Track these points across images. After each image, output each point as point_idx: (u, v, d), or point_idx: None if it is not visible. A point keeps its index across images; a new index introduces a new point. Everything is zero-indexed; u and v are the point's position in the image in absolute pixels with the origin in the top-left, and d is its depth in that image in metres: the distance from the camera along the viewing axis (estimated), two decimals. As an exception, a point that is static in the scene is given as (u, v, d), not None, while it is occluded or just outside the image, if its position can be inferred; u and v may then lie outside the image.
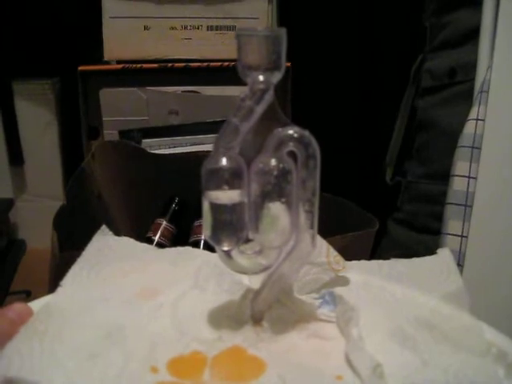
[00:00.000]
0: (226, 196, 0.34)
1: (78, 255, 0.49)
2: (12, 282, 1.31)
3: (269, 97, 0.34)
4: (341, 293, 0.41)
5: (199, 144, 1.15)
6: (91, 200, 0.84)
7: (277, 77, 0.33)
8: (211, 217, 0.34)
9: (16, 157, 1.35)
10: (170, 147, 1.14)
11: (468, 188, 0.89)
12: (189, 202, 0.93)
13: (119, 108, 1.22)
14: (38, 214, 1.39)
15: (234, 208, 0.34)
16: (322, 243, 0.42)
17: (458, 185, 0.91)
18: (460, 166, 0.91)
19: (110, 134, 1.21)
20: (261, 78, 0.33)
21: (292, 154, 0.35)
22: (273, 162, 0.34)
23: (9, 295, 1.27)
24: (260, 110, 0.34)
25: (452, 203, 0.92)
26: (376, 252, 0.96)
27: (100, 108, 1.20)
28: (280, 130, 0.34)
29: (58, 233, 0.69)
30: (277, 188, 0.34)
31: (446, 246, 0.92)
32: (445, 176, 0.98)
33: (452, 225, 0.91)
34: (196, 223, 0.89)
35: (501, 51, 0.88)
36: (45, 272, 1.09)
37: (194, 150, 1.10)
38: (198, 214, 0.89)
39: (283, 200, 0.34)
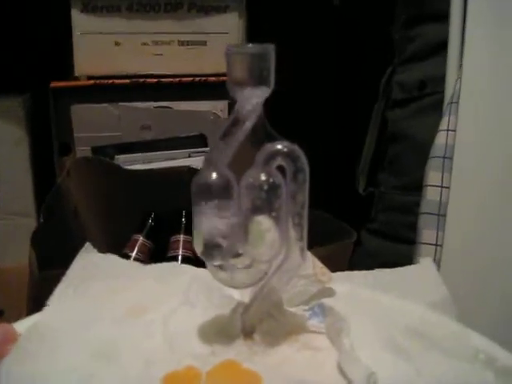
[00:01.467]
0: (219, 220, 0.34)
1: (58, 274, 0.48)
2: (-16, 302, 1.29)
3: (258, 112, 0.34)
4: (328, 304, 0.42)
5: (173, 159, 1.14)
6: (68, 217, 0.84)
7: (266, 92, 0.34)
8: (203, 235, 0.35)
9: (-14, 174, 1.33)
10: (143, 163, 1.13)
11: (441, 197, 0.91)
12: (165, 217, 0.93)
13: (91, 124, 1.21)
14: (9, 232, 1.37)
15: (226, 225, 0.35)
16: (307, 255, 0.42)
17: (431, 194, 0.92)
18: (432, 176, 0.92)
19: (83, 150, 1.21)
20: (250, 94, 0.34)
21: (280, 168, 0.35)
22: (262, 176, 0.34)
23: (-19, 315, 1.24)
24: (249, 125, 0.34)
25: (426, 213, 0.93)
26: (350, 262, 0.97)
27: (72, 124, 1.20)
28: (269, 144, 0.35)
29: (35, 251, 0.68)
30: (267, 202, 0.35)
31: (421, 255, 0.93)
32: (417, 186, 0.99)
33: (426, 234, 0.92)
34: (173, 238, 0.89)
35: (469, 62, 0.90)
36: (18, 291, 1.07)
37: (167, 165, 1.09)
38: (175, 229, 0.90)
39: (273, 214, 0.35)
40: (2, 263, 1.39)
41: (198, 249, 0.35)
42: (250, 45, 0.33)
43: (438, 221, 0.91)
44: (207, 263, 0.37)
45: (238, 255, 0.37)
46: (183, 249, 0.86)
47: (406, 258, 1.00)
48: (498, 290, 0.85)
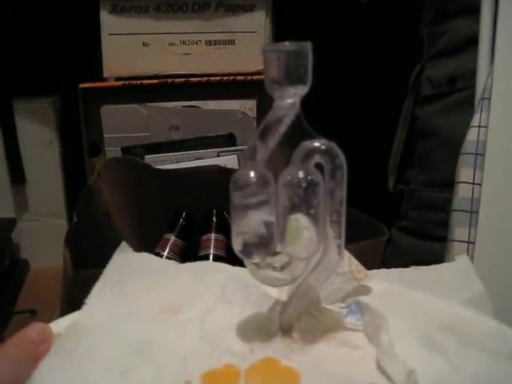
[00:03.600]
0: (258, 217, 0.34)
1: (92, 273, 0.49)
2: (16, 302, 1.31)
3: (295, 110, 0.34)
4: (365, 301, 0.42)
5: (202, 158, 1.15)
6: (99, 217, 0.84)
7: (303, 90, 0.34)
8: (242, 232, 0.35)
9: (17, 176, 1.35)
10: (172, 163, 1.14)
11: (473, 194, 0.90)
12: (196, 216, 0.94)
13: (120, 125, 1.22)
14: (40, 233, 1.39)
15: (265, 223, 0.35)
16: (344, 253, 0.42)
17: (462, 191, 0.91)
18: (464, 173, 0.92)
19: (112, 150, 1.22)
20: (287, 92, 0.34)
21: (318, 166, 0.35)
22: (301, 174, 0.34)
23: (14, 315, 1.26)
24: (287, 122, 0.34)
25: (457, 210, 0.92)
26: (382, 261, 0.97)
27: (101, 125, 1.21)
28: (307, 142, 0.35)
29: (70, 251, 0.69)
30: (304, 200, 0.35)
31: (453, 252, 0.93)
32: (448, 183, 0.98)
33: (458, 231, 0.91)
34: (204, 237, 0.89)
35: (501, 57, 0.89)
36: (49, 291, 1.09)
37: (196, 165, 1.10)
38: (206, 228, 0.90)
39: (311, 211, 0.35)
40: (34, 264, 1.41)
41: (237, 247, 0.35)
42: (287, 42, 0.33)
43: (470, 218, 0.90)
44: (245, 261, 0.37)
45: (275, 253, 0.37)
46: (214, 248, 0.87)
47: (437, 256, 0.99)
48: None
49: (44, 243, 1.37)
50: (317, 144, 0.35)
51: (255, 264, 0.36)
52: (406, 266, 1.09)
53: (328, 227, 0.36)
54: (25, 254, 1.42)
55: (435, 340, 0.38)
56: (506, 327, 0.40)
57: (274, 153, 0.35)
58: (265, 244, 0.35)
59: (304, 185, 0.34)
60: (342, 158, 0.35)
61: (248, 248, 0.35)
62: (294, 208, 0.35)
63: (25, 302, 1.30)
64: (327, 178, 0.35)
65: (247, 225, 0.35)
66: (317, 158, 0.35)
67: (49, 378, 0.34)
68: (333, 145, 0.34)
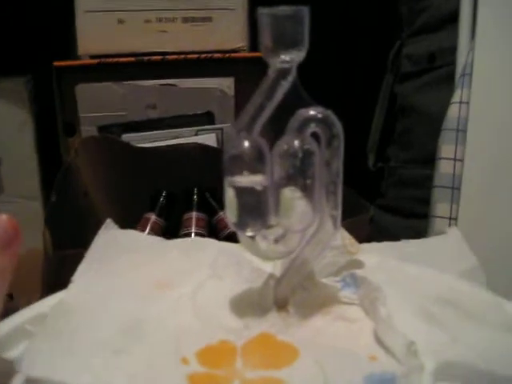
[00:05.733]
0: (253, 181, 0.33)
1: (73, 253, 0.48)
2: (-8, 286, 1.28)
3: (291, 77, 0.33)
4: (360, 274, 0.41)
5: (180, 137, 1.13)
6: (78, 196, 0.83)
7: (300, 56, 0.33)
8: (237, 203, 0.34)
9: (-10, 158, 1.32)
10: (150, 141, 1.12)
11: (454, 170, 0.90)
12: (176, 194, 0.92)
13: (96, 104, 1.20)
14: (16, 215, 1.36)
15: (259, 192, 0.34)
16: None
17: (444, 168, 0.91)
18: (445, 149, 0.92)
19: (88, 130, 1.19)
20: (283, 57, 0.33)
21: (314, 135, 0.34)
22: (297, 143, 0.33)
23: (-11, 299, 1.24)
24: (283, 90, 0.33)
25: (439, 186, 0.92)
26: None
27: (76, 104, 1.18)
28: (302, 110, 0.34)
29: (50, 231, 0.67)
30: (301, 170, 0.34)
31: (435, 228, 0.93)
32: (428, 160, 0.98)
33: (440, 208, 0.92)
34: (185, 216, 0.88)
35: (482, 33, 0.88)
36: (26, 275, 1.07)
37: (175, 143, 1.09)
38: (186, 207, 0.89)
39: (308, 182, 0.34)
40: (9, 247, 1.38)
41: (231, 219, 0.34)
42: (282, 6, 0.32)
43: (451, 194, 0.90)
44: (239, 234, 0.36)
45: (270, 226, 0.36)
46: (196, 226, 0.86)
47: (418, 233, 0.99)
48: (514, 262, 0.85)
49: (19, 225, 1.34)
50: (313, 112, 0.34)
51: (250, 237, 0.35)
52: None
53: (324, 199, 0.35)
54: (-1, 237, 1.39)
55: (432, 312, 0.37)
56: (502, 299, 0.40)
57: (269, 121, 0.34)
58: (260, 216, 0.34)
59: (300, 155, 0.33)
60: (338, 127, 0.34)
61: (243, 220, 0.34)
62: (289, 179, 0.34)
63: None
64: (324, 147, 0.34)
65: (241, 197, 0.34)
66: (313, 127, 0.34)
67: (38, 361, 0.33)
68: (329, 113, 0.34)
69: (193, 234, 0.85)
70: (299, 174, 0.34)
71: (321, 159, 0.34)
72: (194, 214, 0.87)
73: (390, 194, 1.11)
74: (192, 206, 0.88)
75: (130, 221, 0.89)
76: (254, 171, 0.34)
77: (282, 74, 0.33)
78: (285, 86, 0.33)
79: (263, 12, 0.32)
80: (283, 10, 0.32)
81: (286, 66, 0.33)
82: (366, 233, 0.77)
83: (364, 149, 1.21)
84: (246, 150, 0.33)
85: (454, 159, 0.90)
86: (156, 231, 0.87)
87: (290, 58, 0.33)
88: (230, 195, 0.34)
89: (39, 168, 1.34)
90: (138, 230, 0.86)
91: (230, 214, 0.34)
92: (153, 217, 0.88)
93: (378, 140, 1.17)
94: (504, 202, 0.87)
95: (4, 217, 0.36)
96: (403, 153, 1.10)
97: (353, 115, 1.34)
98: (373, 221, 1.12)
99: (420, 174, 1.04)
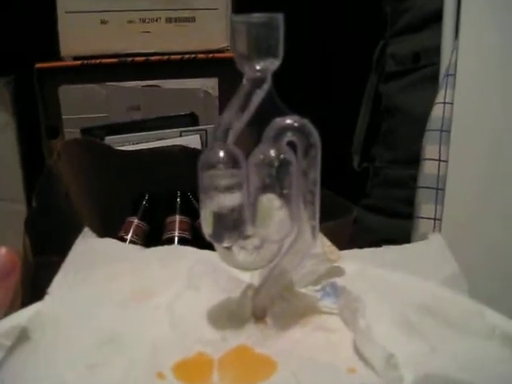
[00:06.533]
0: (228, 199, 0.33)
1: (53, 259, 0.47)
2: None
3: (266, 86, 0.33)
4: (340, 283, 0.41)
5: (164, 139, 1.12)
6: (60, 201, 0.82)
7: (275, 64, 0.32)
8: (212, 217, 0.33)
9: (-28, 161, 1.31)
10: (133, 143, 1.11)
11: (439, 171, 0.90)
12: (159, 198, 0.91)
13: (79, 105, 1.19)
14: (-2, 218, 1.35)
15: (235, 207, 0.33)
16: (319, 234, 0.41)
17: (428, 168, 0.91)
18: (430, 150, 0.91)
19: (71, 132, 1.18)
20: (258, 66, 0.32)
21: (291, 144, 0.34)
22: (272, 152, 0.33)
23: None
24: (257, 99, 0.33)
25: (423, 187, 0.92)
26: (348, 240, 0.96)
27: (59, 106, 1.17)
28: (279, 119, 0.33)
29: (30, 236, 0.66)
30: (277, 180, 0.33)
31: (419, 229, 0.93)
32: (413, 160, 0.98)
33: (425, 208, 0.91)
34: (168, 219, 0.87)
35: (466, 33, 0.88)
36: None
37: (159, 145, 1.08)
38: (169, 210, 0.88)
39: (284, 192, 0.33)
40: (-8, 249, 1.36)
41: (207, 231, 0.34)
42: (256, 14, 0.31)
43: (436, 195, 0.90)
44: (216, 245, 0.35)
45: (247, 236, 0.35)
46: (179, 230, 0.85)
47: (402, 233, 0.99)
48: (499, 263, 0.85)
49: (2, 228, 1.33)
50: (289, 121, 0.33)
51: (226, 248, 0.35)
52: (372, 244, 1.09)
53: (302, 208, 0.35)
54: (-18, 240, 1.37)
55: (413, 322, 0.37)
56: (483, 307, 0.39)
57: (244, 131, 0.34)
58: (236, 227, 0.34)
59: (276, 164, 0.33)
60: (315, 136, 0.33)
61: (218, 232, 0.34)
62: (265, 188, 0.33)
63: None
64: (300, 156, 0.33)
65: (216, 208, 0.33)
66: (289, 136, 0.33)
67: (11, 375, 0.32)
68: (306, 122, 0.33)
69: (176, 238, 0.84)
70: (276, 184, 0.33)
71: (298, 169, 0.33)
72: (177, 218, 0.86)
73: (374, 194, 1.11)
74: (175, 209, 0.87)
75: (112, 224, 0.88)
76: (229, 181, 0.33)
77: (257, 82, 0.32)
78: (260, 94, 0.32)
79: (237, 19, 0.31)
80: (257, 17, 0.31)
81: (261, 74, 0.32)
82: (349, 234, 0.77)
83: (349, 149, 1.21)
84: (221, 159, 0.33)
85: (439, 160, 0.90)
86: (139, 235, 0.86)
87: (265, 66, 0.32)
88: (204, 207, 0.33)
89: (22, 170, 1.33)
90: (120, 233, 0.85)
91: (204, 225, 0.34)
92: (135, 221, 0.87)
93: (363, 140, 1.17)
94: (488, 203, 0.87)
95: (3, 250, 0.36)
96: (388, 153, 1.09)
97: (338, 115, 1.34)
98: (357, 221, 1.12)
99: (404, 175, 1.04)
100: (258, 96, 0.32)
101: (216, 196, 0.33)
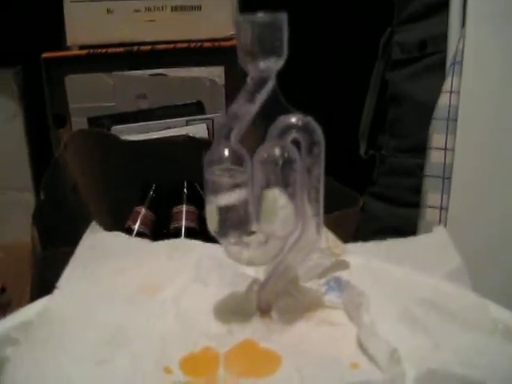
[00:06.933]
0: (231, 196, 0.33)
1: (61, 252, 0.47)
2: (-16, 279, 1.28)
3: (270, 84, 0.33)
4: (344, 277, 0.41)
5: (170, 128, 1.13)
6: (67, 192, 0.82)
7: (278, 63, 0.32)
8: (217, 214, 0.33)
9: (-19, 150, 1.31)
10: (140, 132, 1.12)
11: (445, 160, 0.90)
12: (166, 187, 0.92)
13: (86, 94, 1.18)
14: (7, 208, 1.36)
15: (240, 204, 0.33)
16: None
17: (435, 157, 0.91)
18: (436, 139, 0.91)
19: (78, 121, 1.18)
20: (262, 65, 0.32)
21: (295, 142, 0.34)
22: (277, 150, 0.33)
23: (-18, 292, 1.23)
24: (262, 97, 0.33)
25: (430, 175, 0.92)
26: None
27: (66, 95, 1.17)
28: (283, 117, 0.33)
29: (38, 229, 0.67)
30: (281, 177, 0.33)
31: (426, 218, 0.93)
32: (419, 149, 0.98)
33: (431, 197, 0.91)
34: (175, 209, 0.87)
35: (472, 20, 0.88)
36: (18, 267, 1.06)
37: (165, 134, 1.08)
38: (176, 200, 0.89)
39: (289, 189, 0.34)
40: (1, 239, 1.38)
41: (212, 227, 0.34)
42: (261, 13, 0.32)
43: (442, 184, 0.90)
44: (221, 241, 0.36)
45: (251, 232, 0.36)
46: (186, 219, 0.85)
47: (409, 222, 0.99)
48: (505, 253, 0.85)
49: (11, 217, 1.34)
50: (293, 120, 0.33)
51: (231, 244, 0.35)
52: (379, 232, 1.09)
53: (306, 205, 0.35)
54: (-9, 228, 1.39)
55: (416, 316, 0.37)
56: (486, 301, 0.40)
57: (249, 128, 0.34)
58: (241, 223, 0.34)
59: (280, 162, 0.33)
60: (319, 134, 0.33)
61: (223, 228, 0.34)
62: (270, 186, 0.34)
63: (-6, 279, 1.27)
64: (304, 154, 0.34)
65: (222, 204, 0.34)
66: (293, 134, 0.33)
67: (22, 371, 0.33)
68: (310, 120, 0.33)
69: (183, 228, 0.84)
70: (280, 181, 0.34)
71: (302, 166, 0.34)
72: (185, 207, 0.86)
73: (381, 182, 1.11)
74: (182, 199, 0.88)
75: (120, 215, 0.88)
76: (234, 178, 0.33)
77: (261, 81, 0.33)
78: (264, 93, 0.33)
79: (241, 19, 0.32)
80: (261, 16, 0.32)
81: (265, 73, 0.32)
82: (355, 224, 0.77)
83: (356, 136, 1.20)
84: (226, 157, 0.33)
85: (445, 149, 0.90)
86: (146, 224, 0.86)
87: (269, 65, 0.32)
88: (210, 204, 0.34)
89: (30, 160, 1.34)
90: (128, 223, 0.86)
91: (210, 222, 0.34)
92: (143, 210, 0.87)
93: (370, 127, 1.17)
94: (495, 192, 0.86)
95: None
96: (394, 141, 1.09)
97: (345, 103, 1.34)
98: (363, 209, 1.12)
99: (411, 163, 1.03)
100: (262, 95, 0.33)
101: (221, 193, 0.33)
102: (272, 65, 0.32)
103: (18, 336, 0.37)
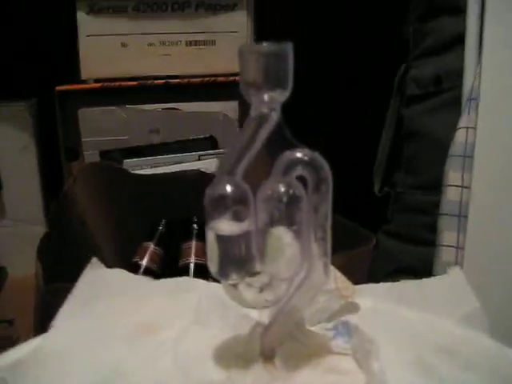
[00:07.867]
0: (233, 227, 0.31)
1: (64, 287, 0.46)
2: (-7, 311, 1.27)
3: (275, 117, 0.31)
4: (353, 322, 0.39)
5: (182, 162, 1.12)
6: (75, 226, 0.81)
7: (283, 95, 0.31)
8: (217, 249, 0.32)
9: (-7, 182, 1.31)
10: (152, 167, 1.11)
11: (462, 198, 0.87)
12: (176, 223, 0.90)
13: (99, 128, 1.18)
14: (18, 240, 1.35)
15: (242, 239, 0.32)
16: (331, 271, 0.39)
17: (451, 195, 0.89)
18: (452, 176, 0.89)
19: (90, 154, 1.18)
20: (266, 97, 0.31)
21: (301, 178, 0.32)
22: (282, 187, 0.31)
23: (-10, 325, 1.22)
24: (266, 131, 0.31)
25: (446, 214, 0.90)
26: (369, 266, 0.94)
27: (79, 128, 1.17)
28: (288, 152, 0.32)
29: (42, 263, 0.65)
30: (286, 215, 0.32)
31: (441, 257, 0.90)
32: (435, 186, 0.96)
33: (447, 236, 0.89)
34: (185, 245, 0.86)
35: (488, 57, 0.86)
36: (27, 300, 1.05)
37: (177, 169, 1.07)
38: (186, 236, 0.87)
39: (294, 227, 0.32)
40: (11, 272, 1.37)
41: (213, 267, 0.32)
42: (265, 43, 0.30)
43: (458, 222, 0.87)
44: (222, 283, 0.34)
45: (255, 273, 0.34)
46: (196, 256, 0.83)
47: (424, 261, 0.97)
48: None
49: (22, 250, 1.32)
50: (299, 155, 0.32)
51: (232, 285, 0.33)
52: (394, 271, 1.06)
53: (312, 244, 0.33)
54: (2, 262, 1.38)
55: (429, 363, 0.35)
56: (504, 347, 0.37)
57: (254, 163, 0.32)
58: (243, 264, 0.32)
59: (285, 199, 0.31)
60: (326, 170, 0.32)
61: (225, 269, 0.32)
62: (274, 224, 0.32)
63: (2, 312, 1.26)
64: (311, 191, 0.32)
65: (223, 243, 0.32)
66: (299, 170, 0.32)
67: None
68: (317, 155, 0.31)
69: (192, 264, 0.83)
70: (285, 220, 0.32)
71: (308, 204, 0.32)
72: (194, 243, 0.85)
73: (396, 220, 1.09)
74: (191, 234, 0.86)
75: (128, 250, 0.87)
76: (236, 216, 0.32)
77: (265, 114, 0.31)
78: (268, 127, 0.31)
79: (244, 49, 0.30)
80: (266, 46, 0.30)
81: (269, 106, 0.31)
82: (368, 263, 0.75)
83: (370, 174, 1.18)
84: (228, 193, 0.31)
85: (462, 186, 0.88)
86: (154, 260, 0.85)
87: (274, 98, 0.31)
88: (210, 240, 0.32)
89: (42, 192, 1.33)
90: (135, 258, 0.84)
91: (210, 261, 0.32)
92: (151, 246, 0.85)
93: (385, 164, 1.15)
94: (512, 231, 0.84)
95: None
96: (410, 178, 1.07)
97: (360, 139, 1.32)
98: (377, 247, 1.10)
99: (427, 201, 1.01)
100: (266, 129, 0.31)
101: (222, 232, 0.32)
102: (277, 97, 0.31)
103: (7, 376, 0.35)
